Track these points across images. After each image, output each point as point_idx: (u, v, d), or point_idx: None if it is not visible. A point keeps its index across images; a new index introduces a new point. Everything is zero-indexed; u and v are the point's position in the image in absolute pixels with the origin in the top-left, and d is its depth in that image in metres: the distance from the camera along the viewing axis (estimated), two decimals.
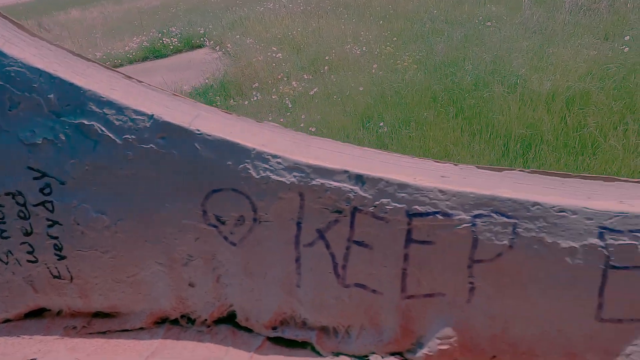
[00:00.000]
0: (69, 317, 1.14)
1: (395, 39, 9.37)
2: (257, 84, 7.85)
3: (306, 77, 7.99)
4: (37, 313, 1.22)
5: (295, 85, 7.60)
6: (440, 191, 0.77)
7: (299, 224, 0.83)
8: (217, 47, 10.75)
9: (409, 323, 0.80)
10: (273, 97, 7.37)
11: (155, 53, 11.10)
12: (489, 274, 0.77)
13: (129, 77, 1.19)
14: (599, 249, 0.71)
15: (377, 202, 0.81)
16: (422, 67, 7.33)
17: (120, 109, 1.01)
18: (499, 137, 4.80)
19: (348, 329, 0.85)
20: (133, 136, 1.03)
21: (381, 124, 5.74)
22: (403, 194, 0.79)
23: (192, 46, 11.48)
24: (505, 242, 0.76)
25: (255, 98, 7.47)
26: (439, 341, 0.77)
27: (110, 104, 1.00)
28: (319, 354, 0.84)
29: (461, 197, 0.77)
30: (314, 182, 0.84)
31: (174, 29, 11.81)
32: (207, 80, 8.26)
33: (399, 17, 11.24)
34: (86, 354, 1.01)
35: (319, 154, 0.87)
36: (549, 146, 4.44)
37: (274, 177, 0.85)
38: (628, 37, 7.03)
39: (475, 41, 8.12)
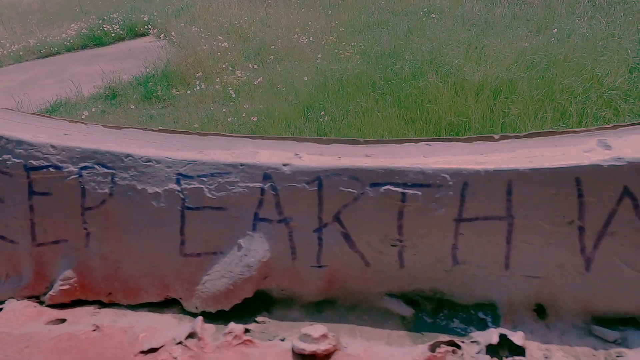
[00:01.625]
0: None
1: (342, 29, 9.44)
2: (200, 74, 7.69)
3: (251, 67, 7.91)
4: None
5: (239, 75, 7.52)
6: (52, 146, 0.85)
7: None
8: (162, 36, 10.41)
9: (41, 268, 0.89)
10: (217, 87, 7.26)
11: (95, 41, 10.59)
12: (98, 220, 0.87)
13: None
14: (177, 192, 0.83)
15: (1, 158, 0.88)
16: (365, 57, 7.44)
17: None
18: (432, 125, 4.98)
19: None
20: None
21: (322, 113, 5.80)
22: (20, 150, 0.87)
23: (135, 34, 11.03)
24: (106, 190, 0.87)
25: (199, 88, 7.32)
26: (61, 282, 0.87)
27: None
28: None
29: (69, 151, 0.86)
30: None
31: (115, 15, 11.31)
32: (148, 70, 7.99)
33: (348, 8, 11.31)
34: None
35: None
36: (476, 133, 4.66)
37: None
38: (556, 29, 7.46)
39: (417, 32, 8.33)
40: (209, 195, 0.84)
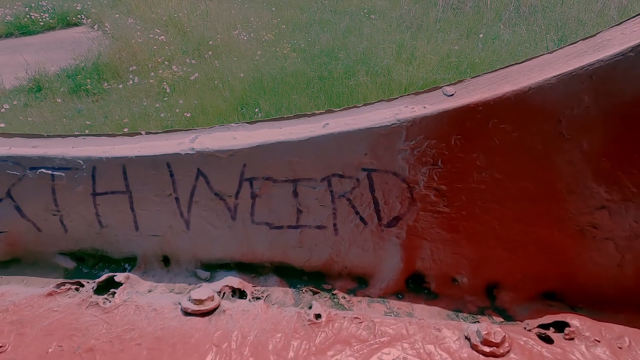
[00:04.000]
0: None
1: (284, 26, 9.49)
2: (134, 67, 7.47)
3: (189, 62, 7.78)
4: None
5: (175, 70, 7.37)
6: None
7: None
8: (96, 26, 9.96)
9: None
10: (151, 81, 7.08)
11: (22, 29, 9.94)
12: None
13: None
14: None
15: None
16: (303, 55, 7.55)
17: None
18: None
19: None
20: None
21: (256, 109, 5.85)
22: None
23: (67, 24, 10.47)
24: None
25: (132, 82, 7.10)
26: None
27: None
28: None
29: None
30: None
31: (44, 3, 10.66)
32: (78, 62, 7.64)
33: (292, 5, 11.36)
34: None
35: None
36: None
37: None
38: (482, 34, 7.95)
39: (355, 32, 8.55)
40: None
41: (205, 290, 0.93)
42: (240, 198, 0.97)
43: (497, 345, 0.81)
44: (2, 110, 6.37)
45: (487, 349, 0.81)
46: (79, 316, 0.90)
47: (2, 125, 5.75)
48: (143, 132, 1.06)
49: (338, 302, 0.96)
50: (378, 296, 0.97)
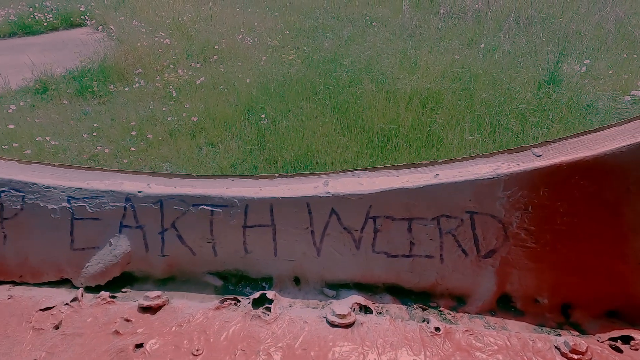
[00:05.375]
0: None
1: (287, 32, 9.60)
2: (140, 70, 7.54)
3: (194, 66, 7.86)
4: None
5: (181, 74, 7.45)
6: None
7: None
8: (100, 28, 10.01)
9: None
10: (157, 84, 7.15)
11: (26, 29, 9.97)
12: (13, 226, 1.31)
13: None
14: (67, 208, 1.28)
15: None
16: (308, 61, 7.66)
17: None
18: (365, 131, 5.28)
19: None
20: None
21: (263, 115, 5.94)
22: None
23: (70, 24, 10.52)
24: (18, 206, 1.29)
25: (138, 85, 7.17)
26: None
27: None
28: None
29: None
30: None
31: (48, 3, 10.70)
32: (84, 64, 7.69)
33: (294, 11, 11.49)
34: None
35: None
36: (405, 139, 5.02)
37: None
38: (483, 44, 8.10)
39: (358, 39, 8.68)
40: (90, 210, 1.26)
41: (343, 306, 1.14)
42: (364, 232, 1.20)
43: (583, 353, 0.98)
44: (10, 111, 6.41)
45: (575, 357, 0.99)
46: (248, 327, 1.09)
47: (12, 126, 5.79)
48: (277, 175, 1.29)
49: (445, 317, 1.17)
50: (475, 313, 1.19)
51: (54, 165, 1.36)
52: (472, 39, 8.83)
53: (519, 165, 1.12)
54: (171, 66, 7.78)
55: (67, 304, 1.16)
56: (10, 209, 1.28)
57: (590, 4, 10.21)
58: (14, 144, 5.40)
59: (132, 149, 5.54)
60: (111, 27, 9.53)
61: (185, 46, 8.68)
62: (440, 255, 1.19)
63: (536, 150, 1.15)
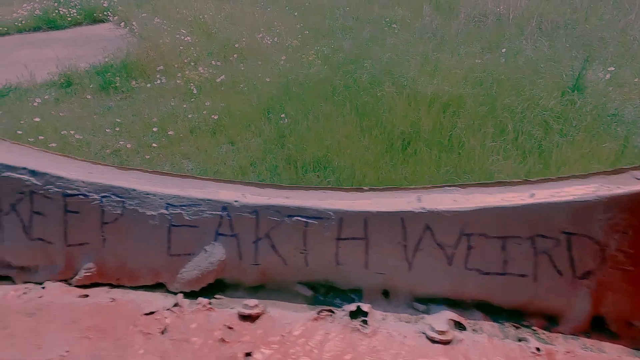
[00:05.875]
0: None
1: (307, 32, 9.62)
2: (162, 67, 7.62)
3: (214, 64, 7.92)
4: None
5: (202, 71, 7.52)
6: (82, 181, 1.32)
7: None
8: (122, 24, 10.15)
9: (70, 261, 1.36)
10: (178, 81, 7.23)
11: (50, 24, 10.15)
12: (112, 230, 1.33)
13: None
14: (166, 215, 1.30)
15: (45, 188, 1.32)
16: (327, 62, 7.66)
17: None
18: (385, 134, 5.27)
19: (35, 267, 1.38)
20: None
21: (282, 115, 5.96)
22: (60, 183, 1.32)
23: (93, 20, 10.67)
24: (119, 211, 1.32)
25: (159, 81, 7.26)
26: (85, 271, 1.34)
27: None
28: (15, 283, 1.37)
29: (93, 185, 1.32)
30: (4, 174, 1.32)
31: None
32: (107, 59, 7.81)
33: (313, 11, 11.49)
34: None
35: (4, 154, 1.20)
36: (425, 144, 5.00)
37: None
38: (504, 49, 8.02)
39: (378, 41, 8.65)
40: (187, 217, 1.29)
41: (440, 322, 1.16)
42: (457, 248, 1.22)
43: None
44: (35, 104, 6.54)
45: None
46: (349, 339, 1.12)
47: (37, 119, 5.91)
48: (366, 188, 1.31)
49: (539, 337, 1.17)
50: (569, 333, 1.19)
51: (149, 172, 1.40)
52: (493, 43, 8.74)
53: (619, 188, 1.13)
54: (192, 64, 7.85)
55: (168, 309, 1.20)
56: (110, 214, 1.31)
57: (615, 10, 10.04)
58: (40, 137, 5.50)
59: (154, 144, 5.61)
60: (133, 23, 9.65)
61: (205, 44, 8.76)
62: (535, 274, 1.19)
63: (636, 173, 1.17)
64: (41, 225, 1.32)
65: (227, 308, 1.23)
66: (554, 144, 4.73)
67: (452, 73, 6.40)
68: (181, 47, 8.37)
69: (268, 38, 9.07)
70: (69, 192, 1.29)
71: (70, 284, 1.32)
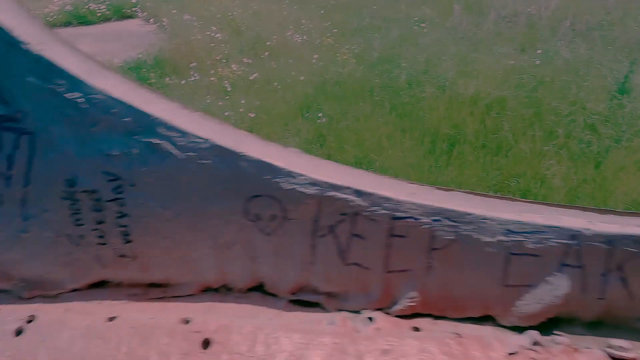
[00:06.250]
0: (128, 287, 1.44)
1: (335, 30, 9.55)
2: (195, 64, 7.62)
3: (246, 61, 7.90)
4: (100, 284, 1.59)
5: (234, 69, 7.49)
6: (412, 203, 1.05)
7: (316, 221, 1.06)
8: (151, 20, 10.18)
9: (389, 288, 1.19)
10: (211, 79, 7.22)
11: (80, 19, 10.22)
12: (441, 257, 1.23)
13: (185, 107, 1.49)
14: (505, 242, 1.20)
15: (370, 209, 1.21)
16: (361, 61, 7.59)
17: (183, 133, 1.37)
18: (427, 135, 5.19)
19: (345, 293, 1.30)
20: (194, 153, 1.40)
21: (320, 114, 5.91)
22: (388, 204, 1.06)
23: (122, 16, 10.73)
24: (451, 237, 1.23)
25: (193, 78, 7.25)
26: (407, 300, 1.13)
27: (175, 129, 1.26)
28: (326, 310, 1.28)
29: (424, 207, 1.21)
30: (327, 194, 1.24)
31: None
32: (140, 55, 7.83)
33: (340, 9, 11.41)
34: (154, 313, 1.32)
35: (329, 172, 1.11)
36: (470, 146, 4.92)
37: (299, 189, 1.08)
38: (540, 50, 7.86)
39: (409, 41, 8.55)
40: (529, 245, 1.18)
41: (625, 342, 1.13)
42: None
43: None
44: None
45: None
46: None
47: None
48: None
49: None
50: None
51: (474, 194, 1.31)
52: (525, 44, 8.58)
53: None
54: (224, 61, 7.84)
55: (527, 348, 1.14)
56: (441, 239, 1.23)
57: None
58: None
59: None
60: (164, 19, 9.68)
61: (236, 41, 8.74)
62: None
63: None
64: (361, 249, 1.24)
65: (584, 348, 1.13)
66: (605, 149, 4.61)
67: (490, 74, 6.29)
68: (212, 44, 8.36)
69: (297, 36, 9.02)
70: (398, 214, 1.22)
71: (388, 314, 1.24)
